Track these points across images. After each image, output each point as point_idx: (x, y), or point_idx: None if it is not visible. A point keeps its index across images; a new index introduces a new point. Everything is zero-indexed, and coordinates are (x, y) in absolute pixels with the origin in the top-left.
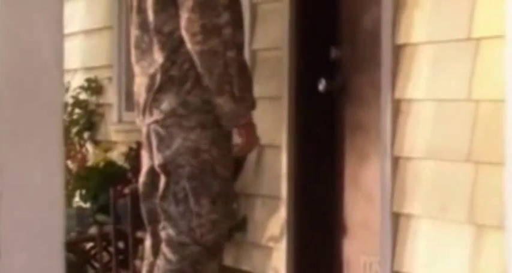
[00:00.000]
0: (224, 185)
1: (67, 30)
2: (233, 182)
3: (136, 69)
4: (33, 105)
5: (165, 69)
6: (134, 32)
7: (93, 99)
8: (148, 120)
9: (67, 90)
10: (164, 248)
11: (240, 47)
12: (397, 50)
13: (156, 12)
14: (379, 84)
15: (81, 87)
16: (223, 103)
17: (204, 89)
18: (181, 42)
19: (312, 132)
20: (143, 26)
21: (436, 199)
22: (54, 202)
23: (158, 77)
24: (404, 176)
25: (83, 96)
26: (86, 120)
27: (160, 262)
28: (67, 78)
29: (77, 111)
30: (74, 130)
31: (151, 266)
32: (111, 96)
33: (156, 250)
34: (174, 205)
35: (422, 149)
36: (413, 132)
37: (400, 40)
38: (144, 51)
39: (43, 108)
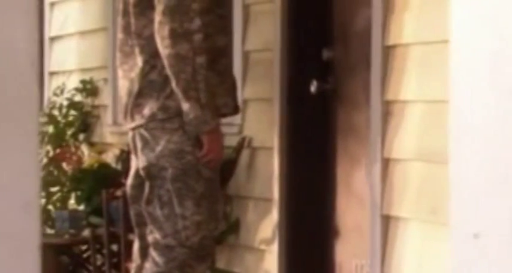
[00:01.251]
0: (209, 187)
1: (62, 31)
2: (220, 183)
3: (120, 72)
4: (7, 106)
5: (144, 73)
6: (119, 35)
7: (89, 100)
8: (131, 125)
9: (62, 91)
10: (152, 252)
11: (220, 52)
12: (387, 51)
13: (135, 15)
14: (370, 86)
15: (76, 89)
16: (188, 109)
17: None
18: None
19: (303, 134)
20: (127, 29)
21: (426, 201)
22: (30, 204)
23: (138, 81)
24: (394, 179)
25: (78, 98)
26: (81, 121)
27: (148, 265)
28: (62, 79)
29: (72, 112)
30: (69, 132)
31: (139, 269)
32: (106, 97)
33: (143, 253)
34: (159, 208)
35: (412, 151)
36: (403, 133)
37: (390, 41)
38: (127, 55)
39: (18, 109)
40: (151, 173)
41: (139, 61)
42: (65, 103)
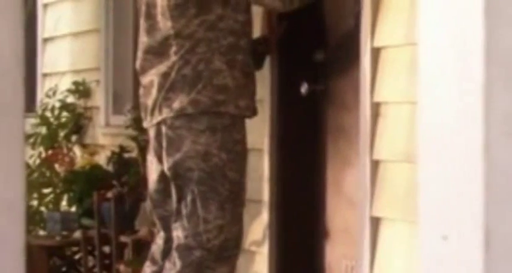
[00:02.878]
0: (234, 190)
1: (55, 33)
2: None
3: (144, 73)
4: None
5: (178, 67)
6: (143, 39)
7: (81, 102)
8: (157, 119)
9: (54, 93)
10: (173, 251)
11: (247, 53)
12: (376, 53)
13: (174, 18)
14: (359, 87)
15: (69, 90)
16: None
17: (216, 90)
18: (198, 41)
19: (294, 135)
20: (150, 31)
21: (414, 203)
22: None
23: (171, 76)
24: (384, 180)
25: (70, 99)
26: (74, 123)
27: (168, 265)
28: (55, 81)
29: (65, 114)
30: (62, 133)
31: (161, 269)
32: (98, 99)
33: (166, 254)
34: (184, 207)
35: (401, 153)
36: (392, 135)
37: (379, 43)
38: (154, 55)
39: (3, 110)
40: (177, 172)
41: (173, 57)
42: (58, 104)
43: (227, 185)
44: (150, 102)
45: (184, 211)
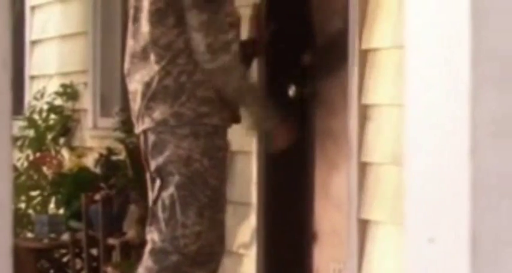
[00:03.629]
0: (214, 196)
1: (43, 35)
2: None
3: (131, 77)
4: None
5: (159, 78)
6: (129, 41)
7: (69, 104)
8: (141, 127)
9: (42, 95)
10: (147, 255)
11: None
12: (364, 55)
13: (153, 23)
14: (347, 90)
15: (57, 93)
16: (248, 114)
17: (199, 102)
18: (179, 52)
19: None
20: (135, 35)
21: (402, 205)
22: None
23: (152, 85)
24: (371, 182)
25: (58, 102)
26: (62, 125)
27: (141, 269)
28: (43, 83)
29: (53, 116)
30: (50, 136)
31: None
32: (86, 101)
33: None
34: (162, 211)
35: (389, 155)
36: (380, 137)
37: (367, 45)
38: (140, 60)
39: None
40: (159, 175)
41: (155, 66)
42: (45, 107)
43: (207, 192)
44: (136, 108)
45: (162, 215)
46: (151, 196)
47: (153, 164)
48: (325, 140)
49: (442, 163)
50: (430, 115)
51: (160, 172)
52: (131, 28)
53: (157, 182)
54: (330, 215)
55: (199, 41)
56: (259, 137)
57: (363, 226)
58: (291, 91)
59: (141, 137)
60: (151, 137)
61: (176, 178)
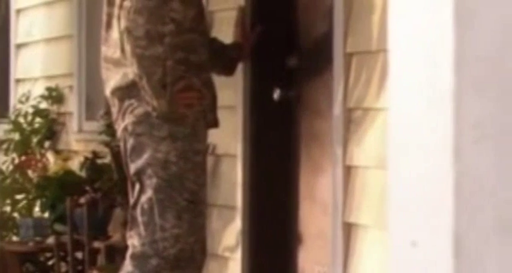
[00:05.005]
0: (193, 200)
1: (28, 38)
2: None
3: (106, 82)
4: None
5: (134, 79)
6: (102, 48)
7: (54, 108)
8: (122, 125)
9: (27, 99)
10: (128, 260)
11: (201, 67)
12: (349, 59)
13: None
14: (332, 93)
15: (42, 96)
16: (156, 105)
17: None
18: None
19: (267, 141)
20: (108, 41)
21: (386, 209)
22: None
23: (128, 87)
24: (356, 186)
25: (43, 105)
26: (47, 129)
27: None
28: (28, 86)
29: (38, 120)
30: (35, 139)
31: None
32: (71, 104)
33: None
34: (140, 214)
35: (374, 159)
36: (365, 141)
37: (352, 48)
38: (113, 65)
39: None
40: (139, 179)
41: (128, 70)
42: (31, 110)
43: (186, 195)
44: (115, 110)
45: (141, 219)
46: (131, 200)
47: (132, 168)
48: (310, 143)
49: (425, 166)
50: (414, 118)
51: (139, 175)
52: (104, 35)
53: (137, 186)
54: (315, 219)
55: (138, 24)
56: (244, 140)
57: (348, 229)
58: (276, 94)
59: (121, 142)
60: (130, 141)
61: (154, 181)
